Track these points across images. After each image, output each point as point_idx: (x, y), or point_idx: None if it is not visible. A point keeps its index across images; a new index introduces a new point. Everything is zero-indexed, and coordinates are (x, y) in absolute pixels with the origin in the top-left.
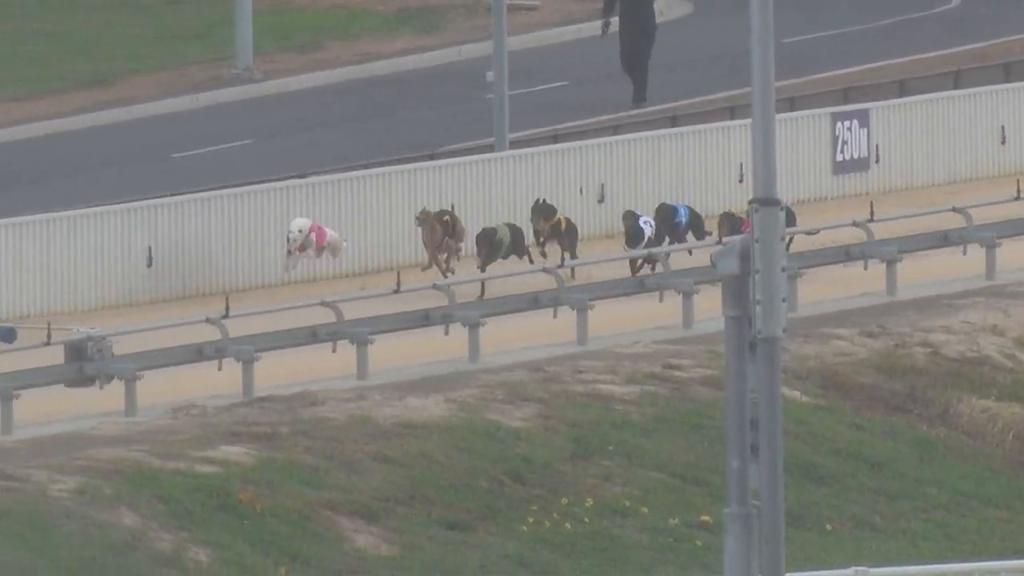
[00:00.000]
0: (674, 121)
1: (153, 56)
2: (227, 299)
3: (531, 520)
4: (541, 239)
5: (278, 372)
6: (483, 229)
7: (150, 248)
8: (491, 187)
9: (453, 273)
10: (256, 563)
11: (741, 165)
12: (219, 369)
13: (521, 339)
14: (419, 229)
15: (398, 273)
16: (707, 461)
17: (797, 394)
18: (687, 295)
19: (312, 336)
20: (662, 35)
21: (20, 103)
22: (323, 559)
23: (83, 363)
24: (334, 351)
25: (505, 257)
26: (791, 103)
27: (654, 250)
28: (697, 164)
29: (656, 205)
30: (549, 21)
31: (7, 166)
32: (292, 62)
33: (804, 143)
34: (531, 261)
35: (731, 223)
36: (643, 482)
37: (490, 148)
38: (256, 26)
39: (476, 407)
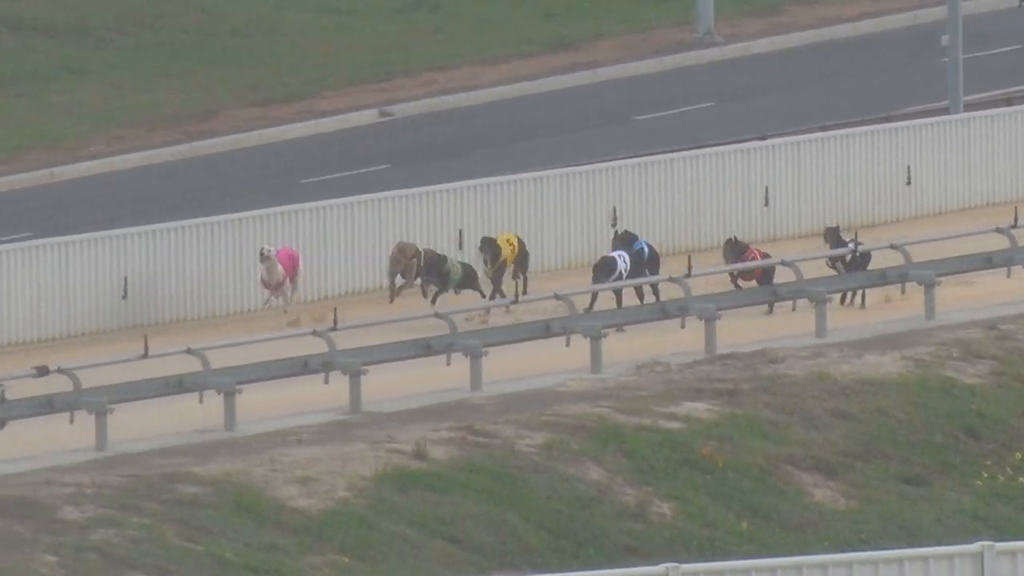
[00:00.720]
0: None
1: (617, 20)
2: (689, 259)
3: (985, 475)
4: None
5: (738, 330)
6: (435, 256)
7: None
8: (946, 149)
9: (396, 297)
10: (718, 516)
11: None
12: (682, 327)
13: (976, 298)
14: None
15: (856, 232)
16: None
17: None
18: None
19: (773, 295)
20: None
21: (489, 66)
22: (783, 513)
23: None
24: (794, 309)
25: (456, 291)
26: None
27: (619, 284)
28: None
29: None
30: None
31: (476, 128)
32: (752, 27)
33: None
34: (483, 295)
35: (735, 249)
36: None
37: (945, 111)
38: None
39: (931, 364)
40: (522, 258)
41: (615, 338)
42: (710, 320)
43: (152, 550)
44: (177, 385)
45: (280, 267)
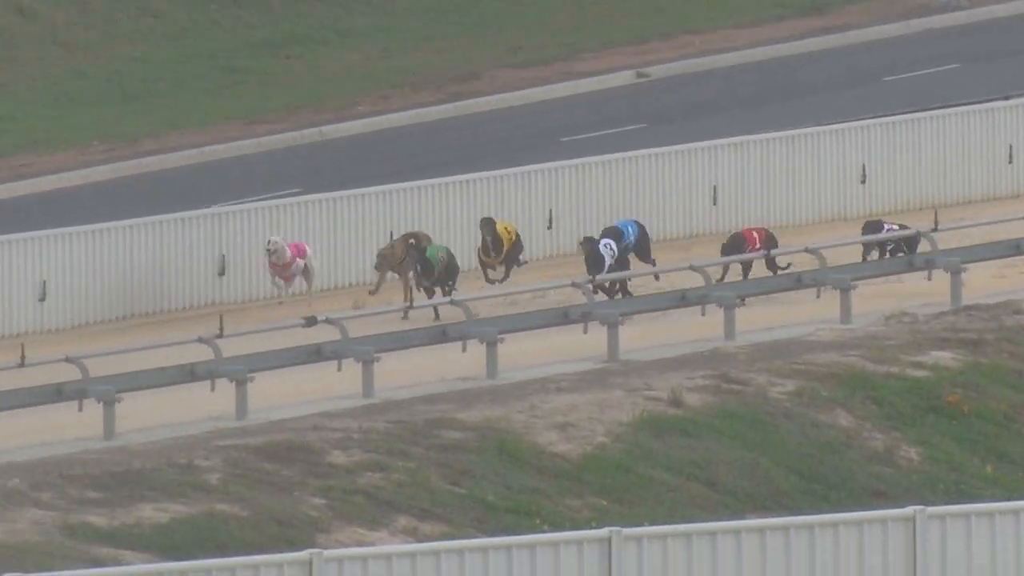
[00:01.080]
0: None
1: None
2: (936, 214)
3: None
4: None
5: (984, 282)
6: (416, 246)
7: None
8: None
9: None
10: (963, 461)
11: None
12: (928, 279)
13: None
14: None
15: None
16: None
17: None
18: None
19: (1016, 249)
20: None
21: (742, 29)
22: None
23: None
24: None
25: (439, 281)
26: None
27: (616, 275)
28: None
29: None
30: None
31: (730, 90)
32: None
33: None
34: (450, 290)
35: (734, 242)
36: None
37: None
38: None
39: None
40: (513, 250)
41: (864, 289)
42: (955, 273)
43: (417, 493)
44: (441, 335)
45: (289, 251)
